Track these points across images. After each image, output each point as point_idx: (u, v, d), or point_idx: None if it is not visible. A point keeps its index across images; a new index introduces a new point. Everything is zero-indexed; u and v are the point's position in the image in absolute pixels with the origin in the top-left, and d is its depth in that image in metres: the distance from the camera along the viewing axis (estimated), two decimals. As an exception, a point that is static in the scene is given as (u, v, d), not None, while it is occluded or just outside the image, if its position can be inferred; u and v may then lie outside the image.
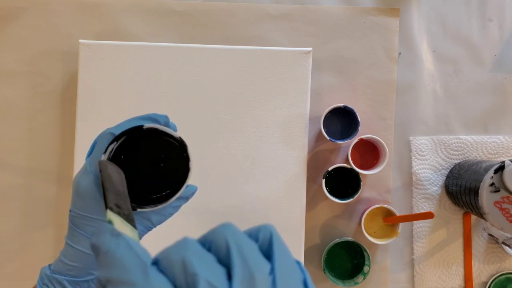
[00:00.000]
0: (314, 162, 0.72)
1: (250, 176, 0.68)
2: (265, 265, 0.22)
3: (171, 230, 0.67)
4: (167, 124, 0.42)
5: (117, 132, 0.38)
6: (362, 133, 0.70)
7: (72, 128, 0.70)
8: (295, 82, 0.69)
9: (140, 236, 0.41)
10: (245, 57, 0.69)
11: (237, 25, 0.73)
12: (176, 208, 0.42)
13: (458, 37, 0.74)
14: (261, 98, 0.69)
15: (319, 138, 0.72)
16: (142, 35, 0.73)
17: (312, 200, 0.72)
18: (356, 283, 0.68)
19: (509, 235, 0.67)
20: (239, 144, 0.68)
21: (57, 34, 0.73)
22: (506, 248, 0.71)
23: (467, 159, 0.73)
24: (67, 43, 0.73)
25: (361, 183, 0.68)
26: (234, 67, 0.69)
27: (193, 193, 0.43)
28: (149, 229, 0.41)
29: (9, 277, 0.71)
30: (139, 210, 0.38)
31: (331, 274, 0.69)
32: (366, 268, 0.68)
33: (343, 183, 0.70)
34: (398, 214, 0.68)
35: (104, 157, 0.37)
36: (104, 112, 0.68)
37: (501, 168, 0.56)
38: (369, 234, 0.69)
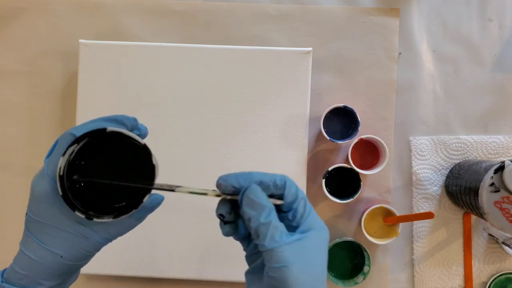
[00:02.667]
0: (314, 162, 0.72)
1: (250, 176, 0.68)
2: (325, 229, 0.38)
3: (170, 230, 0.67)
4: (135, 127, 0.39)
5: (78, 134, 0.36)
6: (362, 133, 0.70)
7: (72, 128, 0.70)
8: (295, 82, 0.69)
9: (98, 248, 0.38)
10: (245, 57, 0.69)
11: (237, 25, 0.73)
12: (139, 219, 0.39)
13: (458, 37, 0.74)
14: (261, 98, 0.69)
15: (319, 138, 0.72)
16: (142, 35, 0.73)
17: (312, 200, 0.72)
18: (356, 283, 0.68)
19: (509, 235, 0.67)
20: (239, 144, 0.68)
21: (57, 34, 0.73)
22: (506, 248, 0.71)
23: (467, 159, 0.73)
24: (67, 43, 0.73)
25: (361, 183, 0.68)
26: (234, 67, 0.69)
27: (158, 203, 0.39)
28: (107, 241, 0.39)
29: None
30: (95, 220, 0.36)
31: (331, 274, 0.69)
32: (366, 268, 0.68)
33: (343, 183, 0.70)
34: (398, 214, 0.68)
35: (62, 160, 0.35)
36: (104, 112, 0.68)
37: (501, 168, 0.56)
38: (369, 234, 0.69)
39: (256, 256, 0.38)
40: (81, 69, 0.69)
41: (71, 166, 0.35)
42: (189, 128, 0.69)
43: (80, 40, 0.69)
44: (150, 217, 0.40)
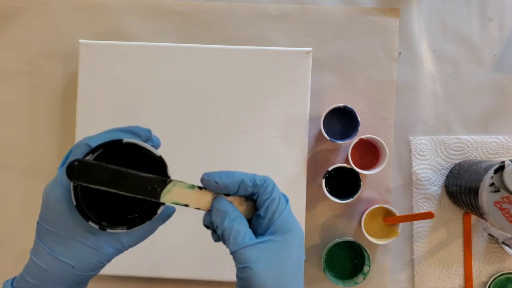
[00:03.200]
0: (314, 162, 0.72)
1: (250, 176, 0.68)
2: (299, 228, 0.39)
3: (170, 230, 0.67)
4: (149, 138, 0.39)
5: (94, 144, 0.36)
6: (362, 133, 0.70)
7: (72, 128, 0.70)
8: (295, 82, 0.69)
9: (110, 259, 0.38)
10: (245, 57, 0.69)
11: (237, 25, 0.73)
12: (151, 231, 0.40)
13: (458, 37, 0.74)
14: (261, 98, 0.69)
15: (319, 138, 0.72)
16: (142, 35, 0.73)
17: (312, 200, 0.72)
18: (356, 283, 0.68)
19: (509, 235, 0.67)
20: (239, 144, 0.68)
21: (57, 34, 0.73)
22: (506, 248, 0.71)
23: (467, 159, 0.73)
24: (67, 43, 0.73)
25: (361, 183, 0.68)
26: (234, 67, 0.69)
27: (170, 215, 0.40)
28: (119, 252, 0.39)
29: (8, 277, 0.71)
30: (109, 230, 0.35)
31: (331, 274, 0.69)
32: (366, 268, 0.68)
33: (343, 183, 0.70)
34: (398, 214, 0.68)
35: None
36: (104, 112, 0.68)
37: (501, 168, 0.56)
38: (369, 234, 0.69)
39: None
40: (81, 69, 0.69)
41: None
42: (189, 128, 0.69)
43: (80, 40, 0.69)
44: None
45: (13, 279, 0.39)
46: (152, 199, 0.35)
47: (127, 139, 0.36)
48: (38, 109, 0.73)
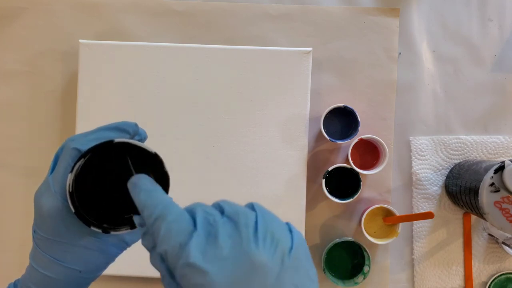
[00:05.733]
0: (314, 162, 0.72)
1: (250, 176, 0.68)
2: (250, 211, 0.29)
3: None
4: (136, 132, 0.38)
5: (83, 148, 0.35)
6: (362, 133, 0.70)
7: (72, 128, 0.70)
8: (295, 82, 0.69)
9: (115, 258, 0.38)
10: (245, 57, 0.69)
11: (237, 25, 0.73)
12: None
13: (458, 37, 0.74)
14: (261, 98, 0.69)
15: (319, 138, 0.72)
16: (142, 35, 0.73)
17: (312, 200, 0.72)
18: (356, 283, 0.68)
19: (509, 235, 0.67)
20: (239, 144, 0.68)
21: (57, 34, 0.73)
22: (506, 248, 0.71)
23: (467, 159, 0.73)
24: (67, 43, 0.73)
25: (361, 183, 0.68)
26: (234, 67, 0.69)
27: None
28: (123, 249, 0.38)
29: (9, 277, 0.71)
30: (113, 233, 0.35)
31: (331, 274, 0.69)
32: (366, 268, 0.68)
33: (343, 183, 0.70)
34: (398, 214, 0.68)
35: (71, 176, 0.34)
36: (104, 112, 0.68)
37: (501, 168, 0.56)
38: (369, 234, 0.69)
39: None
40: (81, 69, 0.69)
41: (77, 180, 0.34)
42: (189, 128, 0.69)
43: (80, 40, 0.69)
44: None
45: (17, 281, 0.38)
46: None
47: (118, 139, 0.35)
48: (38, 109, 0.73)
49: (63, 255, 0.35)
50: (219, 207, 0.30)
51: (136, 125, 0.38)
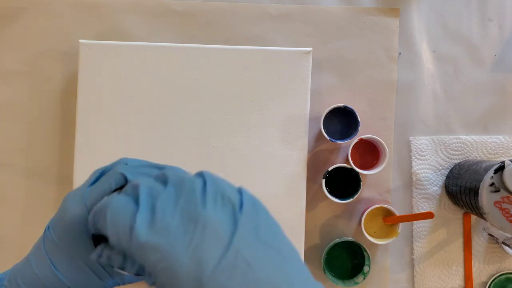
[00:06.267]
0: (314, 162, 0.72)
1: (250, 176, 0.68)
2: (197, 177, 0.29)
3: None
4: None
5: (130, 177, 0.34)
6: (362, 133, 0.70)
7: (72, 128, 0.70)
8: (295, 82, 0.69)
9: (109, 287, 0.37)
10: (245, 57, 0.69)
11: (237, 25, 0.73)
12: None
13: (458, 37, 0.74)
14: (261, 98, 0.69)
15: (319, 138, 0.72)
16: (142, 35, 0.73)
17: (312, 200, 0.72)
18: (356, 283, 0.68)
19: (509, 235, 0.67)
20: (239, 144, 0.68)
21: (57, 34, 0.73)
22: (506, 248, 0.71)
23: (467, 159, 0.73)
24: (67, 43, 0.73)
25: (361, 183, 0.68)
26: (234, 67, 0.69)
27: None
28: (117, 285, 0.37)
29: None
30: (117, 270, 0.33)
31: (331, 274, 0.69)
32: (366, 268, 0.68)
33: (343, 183, 0.70)
34: (398, 214, 0.68)
35: (106, 198, 0.32)
36: (104, 112, 0.68)
37: (501, 168, 0.56)
38: (369, 234, 0.69)
39: None
40: (81, 69, 0.69)
41: None
42: (189, 128, 0.69)
43: (80, 40, 0.69)
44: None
45: (4, 273, 0.37)
46: None
47: None
48: (38, 109, 0.73)
49: (61, 264, 0.35)
50: (164, 177, 0.30)
51: (184, 172, 0.38)
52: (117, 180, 0.34)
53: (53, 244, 0.35)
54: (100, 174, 0.36)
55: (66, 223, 0.34)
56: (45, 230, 0.36)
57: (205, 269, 0.25)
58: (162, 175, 0.30)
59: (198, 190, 0.28)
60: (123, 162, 0.35)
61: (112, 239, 0.28)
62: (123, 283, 0.38)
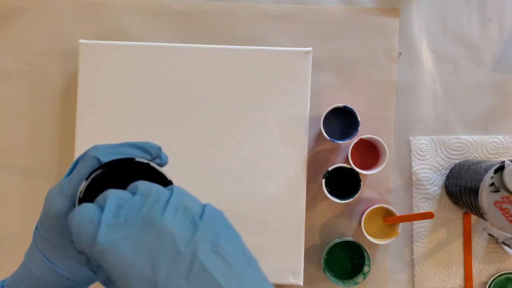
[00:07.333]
0: (314, 162, 0.72)
1: (250, 176, 0.68)
2: (165, 190, 0.31)
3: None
4: (158, 156, 0.38)
5: (104, 159, 0.34)
6: (362, 133, 0.70)
7: (72, 128, 0.70)
8: (295, 82, 0.69)
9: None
10: (245, 57, 0.69)
11: (237, 25, 0.73)
12: None
13: (458, 37, 0.74)
14: (261, 98, 0.69)
15: (319, 138, 0.72)
16: (142, 35, 0.73)
17: (312, 200, 0.72)
18: (356, 283, 0.68)
19: (509, 235, 0.67)
20: (239, 144, 0.68)
21: (57, 34, 0.73)
22: (506, 248, 0.71)
23: (467, 159, 0.73)
24: (67, 43, 0.73)
25: (361, 183, 0.68)
26: (234, 67, 0.69)
27: None
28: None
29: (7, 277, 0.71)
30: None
31: (331, 274, 0.69)
32: (366, 268, 0.68)
33: (343, 183, 0.70)
34: (398, 214, 0.68)
35: (85, 184, 0.33)
36: (104, 112, 0.68)
37: (501, 168, 0.56)
38: (369, 234, 0.69)
39: None
40: (81, 69, 0.69)
41: (90, 188, 0.34)
42: (189, 128, 0.69)
43: (80, 40, 0.69)
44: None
45: (3, 281, 0.38)
46: None
47: (139, 158, 0.35)
48: (38, 109, 0.73)
49: (56, 258, 0.35)
50: (135, 189, 0.31)
51: (160, 148, 0.38)
52: (91, 164, 0.35)
53: (44, 240, 0.35)
54: (75, 164, 0.36)
55: (51, 217, 0.35)
56: (34, 232, 0.36)
57: (159, 272, 0.27)
58: (134, 187, 0.32)
59: (162, 200, 0.30)
60: (94, 148, 0.36)
61: (77, 245, 0.30)
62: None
